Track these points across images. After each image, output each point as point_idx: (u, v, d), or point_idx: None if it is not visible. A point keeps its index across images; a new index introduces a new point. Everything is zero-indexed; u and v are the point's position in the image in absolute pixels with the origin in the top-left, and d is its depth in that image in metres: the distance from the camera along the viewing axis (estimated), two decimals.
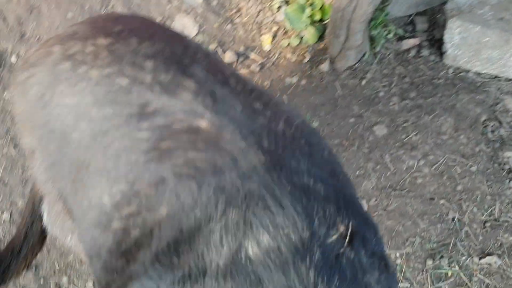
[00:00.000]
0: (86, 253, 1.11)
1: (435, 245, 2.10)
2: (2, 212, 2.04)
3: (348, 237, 0.87)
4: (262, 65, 2.28)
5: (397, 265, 2.07)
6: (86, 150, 1.02)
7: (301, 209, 0.86)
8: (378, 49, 2.28)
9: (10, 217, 2.03)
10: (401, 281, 2.06)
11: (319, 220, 0.86)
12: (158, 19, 2.30)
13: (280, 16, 2.29)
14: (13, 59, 2.17)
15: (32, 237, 1.48)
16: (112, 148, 0.99)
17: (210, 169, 0.90)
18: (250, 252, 0.82)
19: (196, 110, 0.96)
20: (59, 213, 1.28)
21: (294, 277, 0.79)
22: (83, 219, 1.07)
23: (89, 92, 1.02)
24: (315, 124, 2.21)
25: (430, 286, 2.04)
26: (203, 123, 0.94)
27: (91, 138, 1.01)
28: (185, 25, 2.30)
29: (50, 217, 1.38)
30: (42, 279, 1.94)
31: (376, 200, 2.15)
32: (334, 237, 0.86)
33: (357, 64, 2.29)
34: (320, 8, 2.20)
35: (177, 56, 1.09)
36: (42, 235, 1.49)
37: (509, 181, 2.23)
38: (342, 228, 0.88)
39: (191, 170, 0.91)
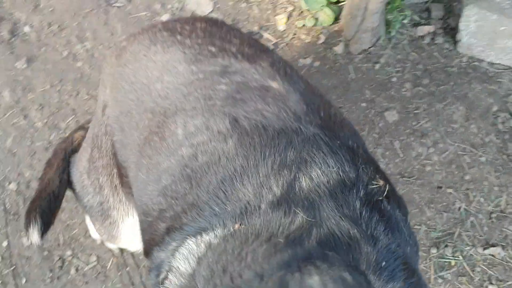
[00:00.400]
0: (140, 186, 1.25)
1: (440, 234, 2.11)
2: (10, 183, 2.05)
3: (386, 192, 0.99)
4: (275, 45, 2.27)
5: None
6: (165, 98, 1.20)
7: (349, 157, 1.02)
8: (393, 33, 2.26)
9: (17, 188, 2.03)
10: None
11: (363, 170, 1.01)
12: None
13: None
14: (27, 29, 2.16)
15: (64, 183, 1.62)
16: (193, 96, 1.16)
17: (275, 118, 1.08)
18: (303, 183, 0.95)
19: (270, 75, 1.18)
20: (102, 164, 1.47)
21: (342, 202, 0.92)
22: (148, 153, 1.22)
23: (181, 52, 1.24)
24: None
25: (433, 274, 2.06)
26: (274, 84, 1.15)
27: (173, 88, 1.20)
28: (200, 2, 2.28)
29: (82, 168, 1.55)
30: (46, 252, 1.95)
31: None
32: (375, 186, 0.99)
33: (371, 48, 2.27)
34: None
35: (258, 42, 1.42)
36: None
37: None
38: (381, 183, 1.01)
39: (259, 116, 1.08)
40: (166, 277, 0.99)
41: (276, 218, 0.89)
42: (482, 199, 2.19)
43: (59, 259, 1.95)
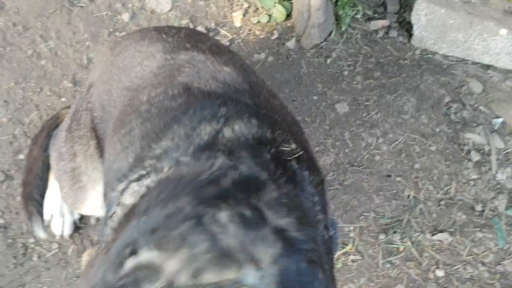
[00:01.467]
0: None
1: (388, 220, 2.19)
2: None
3: (296, 155, 1.16)
4: (232, 41, 2.36)
5: (350, 237, 2.17)
6: (140, 78, 1.44)
7: (269, 121, 1.21)
8: (344, 28, 2.33)
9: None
10: (353, 254, 2.16)
11: (279, 135, 1.19)
12: None
13: None
14: None
15: (46, 163, 1.89)
16: (161, 75, 1.40)
17: (220, 89, 1.32)
18: (226, 133, 1.14)
19: (226, 63, 1.43)
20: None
21: (257, 153, 1.09)
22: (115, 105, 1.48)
23: (161, 45, 1.49)
24: None
25: (381, 259, 2.13)
26: (227, 69, 1.40)
27: (148, 71, 1.43)
28: (159, 1, 2.37)
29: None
30: (10, 240, 2.06)
31: (333, 175, 2.23)
32: (287, 148, 1.17)
33: (323, 43, 2.35)
34: None
35: (226, 47, 1.71)
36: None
37: (467, 162, 2.29)
38: (294, 146, 1.18)
39: (208, 87, 1.32)
40: (114, 212, 1.17)
41: (201, 161, 1.06)
42: (431, 187, 2.26)
43: (22, 246, 2.06)
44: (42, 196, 1.92)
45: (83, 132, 1.65)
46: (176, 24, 2.35)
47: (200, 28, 2.36)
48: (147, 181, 1.12)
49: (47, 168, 1.91)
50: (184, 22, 2.36)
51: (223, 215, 0.88)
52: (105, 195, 1.46)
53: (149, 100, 1.34)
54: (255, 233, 0.87)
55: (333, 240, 1.24)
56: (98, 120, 1.60)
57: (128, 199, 1.15)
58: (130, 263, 0.81)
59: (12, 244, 2.05)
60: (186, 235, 0.84)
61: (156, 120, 1.26)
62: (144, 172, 1.15)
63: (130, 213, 1.09)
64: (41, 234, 1.93)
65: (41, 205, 1.91)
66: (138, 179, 1.16)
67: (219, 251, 0.81)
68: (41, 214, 1.91)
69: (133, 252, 0.83)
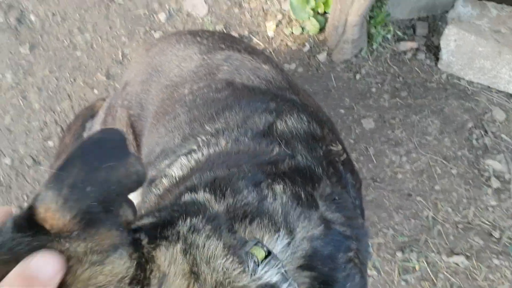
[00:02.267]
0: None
1: (406, 239, 2.20)
2: (5, 156, 2.18)
3: (342, 156, 1.18)
4: (263, 50, 2.40)
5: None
6: (179, 76, 1.48)
7: (318, 120, 1.23)
8: (375, 46, 2.37)
9: (11, 163, 2.17)
10: (370, 269, 2.16)
11: (328, 133, 1.22)
12: None
13: (285, 6, 2.40)
14: (32, 17, 2.31)
15: None
16: (200, 72, 1.44)
17: (263, 85, 1.36)
18: (281, 126, 1.16)
19: (264, 61, 1.48)
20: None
21: (311, 147, 1.12)
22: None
23: (197, 47, 1.53)
24: None
25: (397, 276, 2.14)
26: (266, 66, 1.44)
27: (186, 70, 1.47)
28: (195, 5, 2.42)
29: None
30: None
31: None
32: (335, 148, 1.19)
33: (353, 58, 2.39)
34: (324, 2, 2.31)
35: (259, 49, 1.77)
36: None
37: (487, 188, 2.31)
38: (340, 148, 1.21)
39: (250, 82, 1.38)
40: (160, 182, 1.16)
41: (260, 145, 1.09)
42: (450, 209, 2.28)
43: None
44: None
45: (118, 127, 1.67)
46: (210, 29, 2.40)
47: (233, 35, 2.40)
48: (197, 155, 1.13)
49: None
50: (219, 28, 2.40)
51: (279, 187, 0.91)
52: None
53: (192, 92, 1.37)
54: (302, 211, 0.88)
55: (366, 248, 1.25)
56: (135, 118, 1.63)
57: (176, 171, 1.14)
58: (187, 197, 0.87)
59: None
60: (241, 190, 0.87)
61: (205, 108, 1.28)
62: (195, 147, 1.16)
63: (180, 182, 1.09)
64: None
65: None
66: (188, 153, 1.17)
67: (262, 211, 0.84)
68: None
69: (193, 189, 0.88)
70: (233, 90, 1.32)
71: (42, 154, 2.15)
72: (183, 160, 1.14)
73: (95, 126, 1.81)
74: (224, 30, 2.40)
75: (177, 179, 1.10)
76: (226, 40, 1.62)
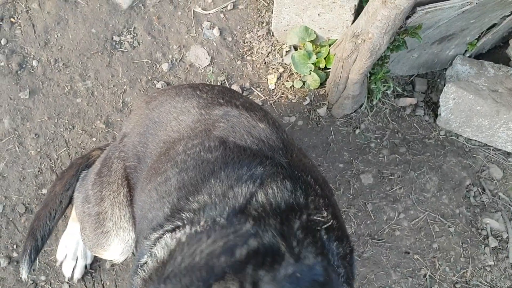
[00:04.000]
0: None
1: None
2: None
3: (327, 224, 1.18)
4: (264, 102, 2.41)
5: None
6: (176, 132, 1.50)
7: (303, 186, 1.24)
8: (375, 102, 2.39)
9: (2, 210, 2.12)
10: None
11: (311, 199, 1.23)
12: (174, 47, 2.45)
13: (287, 60, 2.42)
14: (34, 63, 2.31)
15: (64, 204, 1.88)
16: (197, 129, 1.46)
17: (255, 145, 1.39)
18: (259, 197, 1.18)
19: (260, 119, 1.50)
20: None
21: (284, 220, 1.12)
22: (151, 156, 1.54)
23: (196, 101, 1.56)
24: None
25: None
26: (262, 125, 1.46)
27: (184, 125, 1.50)
28: (198, 56, 2.44)
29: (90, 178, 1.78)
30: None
31: (353, 245, 2.22)
32: (319, 217, 1.18)
33: (353, 113, 2.40)
34: (325, 57, 2.34)
35: (258, 104, 1.77)
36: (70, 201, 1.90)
37: (485, 247, 2.30)
38: (325, 214, 1.21)
39: (243, 141, 1.40)
40: (146, 262, 1.21)
41: (233, 225, 1.11)
42: (447, 269, 2.25)
43: (33, 283, 2.01)
44: (44, 238, 1.85)
45: (113, 179, 1.66)
46: (212, 80, 2.41)
47: (235, 87, 2.41)
48: (180, 234, 1.17)
49: (62, 209, 1.88)
50: (221, 79, 2.42)
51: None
52: (138, 243, 1.45)
53: (185, 150, 1.39)
54: None
55: None
56: (131, 170, 1.62)
57: (160, 251, 1.19)
58: None
59: (22, 280, 2.00)
60: None
61: (193, 172, 1.30)
62: (180, 224, 1.19)
63: (159, 269, 1.14)
64: (23, 274, 1.80)
65: (38, 246, 1.83)
66: (173, 229, 1.19)
67: None
68: (32, 255, 1.81)
69: None
70: (224, 150, 1.35)
71: (35, 202, 2.11)
72: (167, 238, 1.19)
73: (90, 176, 1.78)
74: (226, 81, 2.42)
75: (159, 262, 1.15)
76: (225, 95, 1.64)
